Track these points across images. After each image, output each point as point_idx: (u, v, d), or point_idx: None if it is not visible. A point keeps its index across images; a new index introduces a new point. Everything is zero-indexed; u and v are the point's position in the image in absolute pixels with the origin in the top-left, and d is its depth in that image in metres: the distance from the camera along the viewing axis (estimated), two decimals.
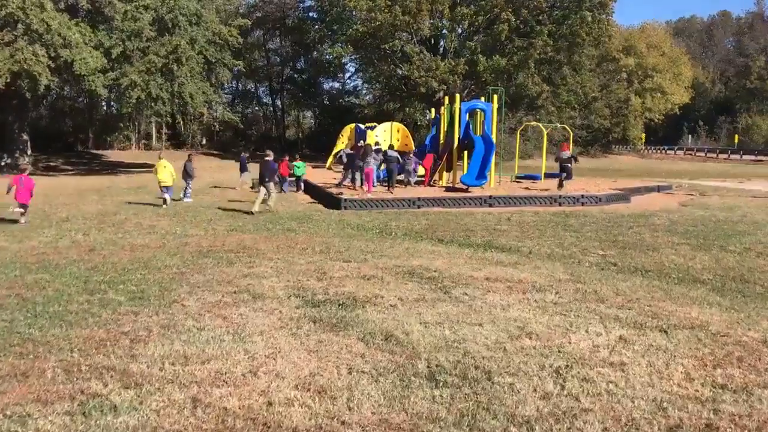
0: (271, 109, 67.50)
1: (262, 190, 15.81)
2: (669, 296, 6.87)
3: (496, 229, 12.79)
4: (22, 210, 13.28)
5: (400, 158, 20.12)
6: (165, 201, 17.08)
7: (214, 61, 36.60)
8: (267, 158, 16.13)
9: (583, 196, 18.06)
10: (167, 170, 17.24)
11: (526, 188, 20.70)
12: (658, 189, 24.26)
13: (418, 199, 17.23)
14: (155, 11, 31.69)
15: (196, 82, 33.30)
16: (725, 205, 18.08)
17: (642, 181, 26.81)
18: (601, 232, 12.38)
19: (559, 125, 29.17)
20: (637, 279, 8.16)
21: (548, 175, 25.68)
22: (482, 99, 22.97)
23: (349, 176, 21.28)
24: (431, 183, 22.12)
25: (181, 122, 57.08)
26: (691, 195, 22.62)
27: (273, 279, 7.18)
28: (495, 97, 21.58)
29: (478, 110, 21.88)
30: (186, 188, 18.97)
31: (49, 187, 24.77)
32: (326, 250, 9.73)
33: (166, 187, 17.22)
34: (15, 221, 13.11)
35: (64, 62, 27.98)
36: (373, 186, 18.99)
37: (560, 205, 17.66)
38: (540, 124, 25.67)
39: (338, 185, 20.97)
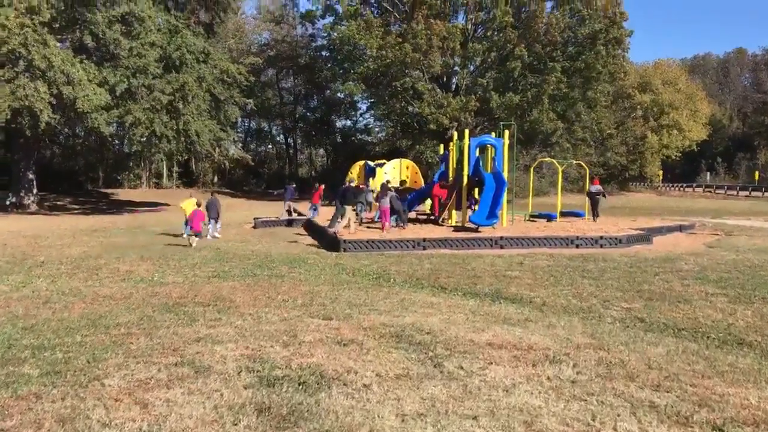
0: (284, 146, 67.13)
1: (348, 213, 17.33)
2: (714, 368, 5.56)
3: (506, 276, 11.52)
4: (196, 237, 16.91)
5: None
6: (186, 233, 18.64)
7: (222, 99, 36.10)
8: (351, 185, 18.08)
9: (602, 237, 16.73)
10: (193, 206, 18.51)
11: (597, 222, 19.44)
12: (681, 228, 22.86)
13: (424, 240, 16.02)
14: (162, 49, 31.27)
15: (203, 120, 32.68)
16: (757, 247, 16.66)
17: (662, 220, 25.41)
18: (623, 279, 11.06)
19: (574, 162, 27.96)
20: (670, 341, 6.85)
21: (564, 214, 24.44)
22: (493, 134, 21.88)
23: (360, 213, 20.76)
24: (440, 222, 20.94)
25: (193, 160, 56.79)
26: (717, 235, 21.22)
27: (230, 345, 5.96)
28: (506, 132, 20.48)
29: (488, 146, 20.79)
30: (212, 225, 19.36)
31: (45, 227, 23.94)
32: (309, 302, 8.53)
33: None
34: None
35: (66, 99, 27.43)
36: (390, 224, 18.67)
37: (577, 247, 16.35)
38: (555, 161, 24.48)
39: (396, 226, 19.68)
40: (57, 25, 28.59)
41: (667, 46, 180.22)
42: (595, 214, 23.30)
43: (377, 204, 20.68)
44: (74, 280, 11.02)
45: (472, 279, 11.23)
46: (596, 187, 23.90)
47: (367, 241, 15.77)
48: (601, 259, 13.79)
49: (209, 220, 19.08)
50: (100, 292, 9.65)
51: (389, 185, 21.36)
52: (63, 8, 27.89)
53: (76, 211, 35.97)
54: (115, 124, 30.58)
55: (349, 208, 17.49)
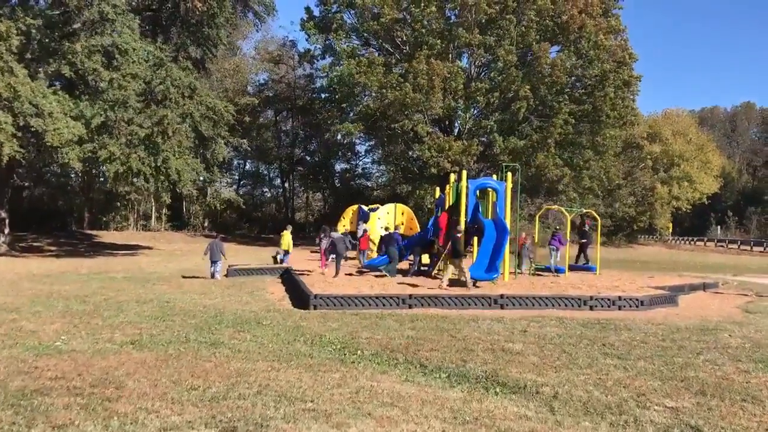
0: (281, 190, 65.09)
1: (458, 263, 15.49)
2: None
3: (506, 350, 9.01)
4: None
5: (347, 241, 19.43)
6: (281, 261, 21.95)
7: (208, 136, 34.05)
8: (459, 234, 16.05)
9: (620, 297, 14.19)
10: (286, 239, 22.26)
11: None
12: (704, 287, 20.34)
13: (410, 296, 13.53)
14: (145, 82, 29.38)
15: (186, 158, 30.50)
16: None
17: (681, 277, 22.89)
18: (658, 359, 8.52)
19: (584, 209, 25.63)
20: None
21: (573, 268, 21.98)
22: (495, 177, 19.62)
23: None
24: (433, 274, 18.45)
25: (183, 203, 54.67)
26: (746, 296, 18.70)
27: None
28: (509, 175, 18.22)
29: (489, 190, 18.50)
30: (215, 268, 19.58)
31: None
32: (224, 393, 6.04)
33: (286, 251, 22.23)
34: None
35: (35, 132, 25.39)
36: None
37: (591, 309, 13.83)
38: (563, 209, 22.15)
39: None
40: (29, 55, 26.71)
41: (673, 98, 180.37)
42: (582, 255, 23.07)
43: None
44: None
45: (462, 353, 8.73)
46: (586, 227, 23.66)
47: (343, 297, 13.28)
48: (624, 326, 11.24)
49: (211, 263, 19.51)
50: None
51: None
52: (38, 37, 26.07)
53: (49, 254, 33.55)
54: (82, 159, 27.92)
55: (456, 261, 15.64)
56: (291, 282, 17.26)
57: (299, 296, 14.14)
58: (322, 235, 20.79)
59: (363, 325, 10.87)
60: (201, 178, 32.57)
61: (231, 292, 16.04)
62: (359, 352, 8.77)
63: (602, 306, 13.95)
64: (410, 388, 6.74)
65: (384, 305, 13.22)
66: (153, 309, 12.51)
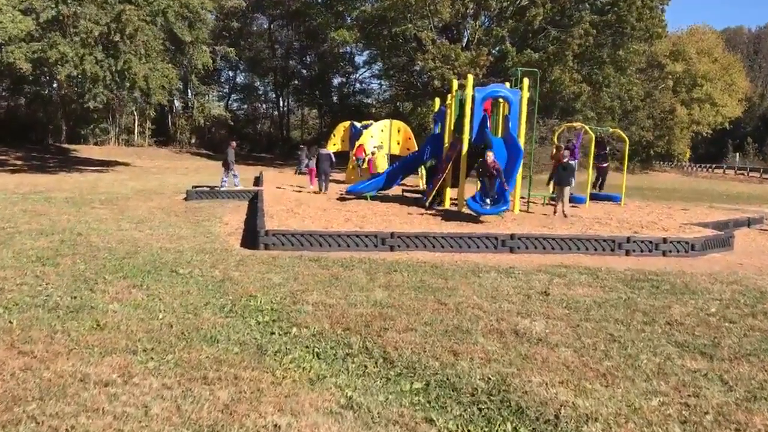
0: (273, 105, 61.09)
1: (566, 191, 14.10)
2: None
3: (521, 332, 5.86)
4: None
5: (333, 157, 18.41)
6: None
7: (187, 41, 30.13)
8: (570, 162, 14.57)
9: (665, 240, 10.96)
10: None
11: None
12: (749, 223, 17.11)
13: (392, 235, 10.31)
14: None
15: (154, 62, 26.74)
16: None
17: (716, 210, 19.60)
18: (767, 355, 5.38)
19: (610, 129, 22.04)
20: None
21: (594, 197, 18.65)
22: (507, 85, 16.03)
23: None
24: (428, 205, 15.18)
25: (169, 116, 51.09)
26: None
27: None
28: (525, 81, 14.67)
29: (500, 100, 15.00)
30: (225, 177, 18.70)
31: None
32: None
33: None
34: None
35: None
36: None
37: (627, 253, 10.65)
38: (586, 126, 18.63)
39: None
40: None
41: (697, 15, 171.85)
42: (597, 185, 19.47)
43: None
44: None
45: (453, 338, 5.59)
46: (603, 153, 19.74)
47: (303, 234, 10.08)
48: (684, 286, 8.05)
49: (226, 172, 18.74)
50: None
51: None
52: None
53: (10, 169, 30.37)
54: (30, 60, 24.00)
55: (567, 189, 14.11)
56: (254, 210, 14.09)
57: (250, 234, 10.98)
58: (300, 154, 19.49)
59: (317, 279, 7.72)
60: (172, 86, 28.82)
61: (174, 220, 12.90)
62: (295, 330, 5.65)
63: (642, 250, 10.74)
64: (346, 429, 3.63)
65: (358, 246, 10.07)
66: (50, 244, 9.41)
